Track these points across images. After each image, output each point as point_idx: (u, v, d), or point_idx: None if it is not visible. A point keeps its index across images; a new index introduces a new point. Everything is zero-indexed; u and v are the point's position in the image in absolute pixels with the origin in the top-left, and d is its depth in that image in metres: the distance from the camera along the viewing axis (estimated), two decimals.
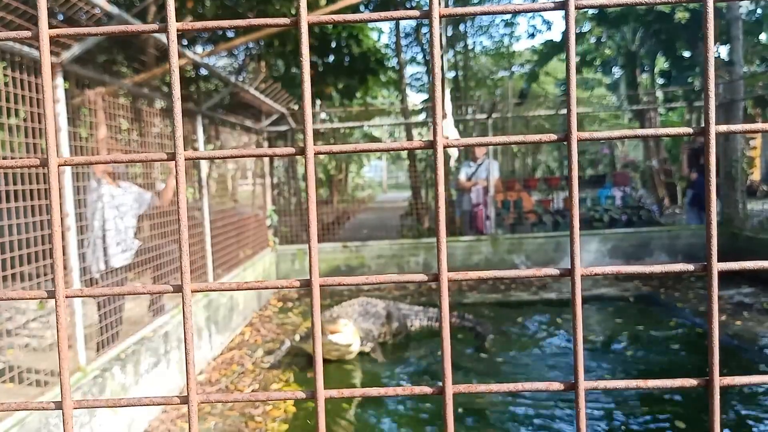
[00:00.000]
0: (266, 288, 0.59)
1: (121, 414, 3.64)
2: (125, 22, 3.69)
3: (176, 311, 4.93)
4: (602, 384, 0.53)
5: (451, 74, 15.15)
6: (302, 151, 0.55)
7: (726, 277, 7.97)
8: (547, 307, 7.16)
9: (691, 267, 0.54)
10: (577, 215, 0.52)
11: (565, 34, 0.50)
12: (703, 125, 0.53)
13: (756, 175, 15.23)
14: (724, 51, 14.37)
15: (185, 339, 0.56)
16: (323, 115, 12.59)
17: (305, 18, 0.50)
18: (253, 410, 4.30)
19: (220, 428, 4.02)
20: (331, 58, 12.94)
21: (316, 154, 0.55)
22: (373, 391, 0.58)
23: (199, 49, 10.29)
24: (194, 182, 6.51)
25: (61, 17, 4.08)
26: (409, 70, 19.23)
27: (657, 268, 0.55)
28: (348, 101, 13.08)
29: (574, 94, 0.51)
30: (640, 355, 5.38)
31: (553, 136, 0.52)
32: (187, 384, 0.56)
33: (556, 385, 0.53)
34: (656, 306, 6.93)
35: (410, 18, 0.53)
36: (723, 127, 0.51)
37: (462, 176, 9.56)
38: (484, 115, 10.07)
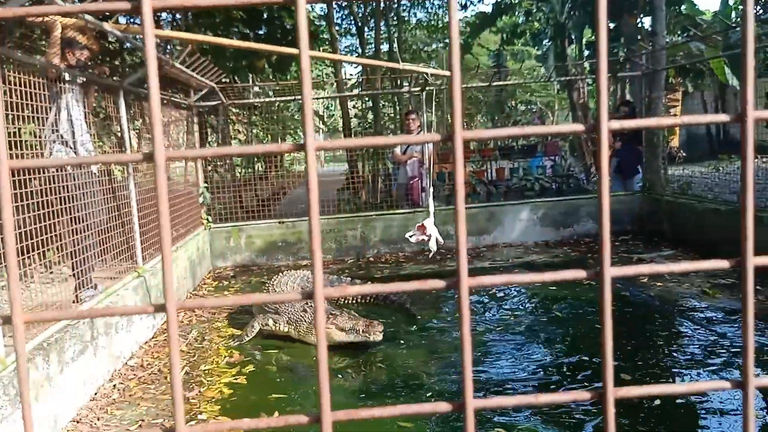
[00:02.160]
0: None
1: (45, 403, 3.50)
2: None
3: (103, 296, 4.76)
4: (492, 402, 0.52)
5: (384, 47, 15.02)
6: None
7: (648, 241, 8.35)
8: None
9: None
10: (464, 233, 0.51)
11: (449, 14, 0.48)
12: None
13: (675, 142, 15.91)
14: (647, 21, 14.82)
15: (20, 379, 0.52)
16: (256, 89, 12.27)
17: (148, 3, 0.46)
18: (187, 393, 4.23)
19: (153, 413, 3.93)
20: (263, 30, 12.60)
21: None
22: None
23: (122, 21, 9.80)
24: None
25: None
26: (344, 42, 18.93)
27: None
28: (281, 75, 12.80)
29: (458, 87, 0.49)
30: (565, 317, 5.57)
31: (437, 136, 0.50)
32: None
33: (444, 406, 0.52)
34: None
35: (275, 3, 0.50)
36: (615, 123, 0.50)
37: (397, 149, 9.57)
38: (418, 89, 10.06)
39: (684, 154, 14.57)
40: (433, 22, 18.56)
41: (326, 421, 0.48)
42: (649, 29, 12.81)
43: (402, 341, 5.16)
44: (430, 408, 0.51)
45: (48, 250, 4.78)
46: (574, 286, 6.48)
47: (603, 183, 0.49)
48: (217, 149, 0.52)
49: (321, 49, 14.43)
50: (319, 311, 0.51)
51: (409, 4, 17.01)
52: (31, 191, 4.29)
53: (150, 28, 0.50)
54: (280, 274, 6.40)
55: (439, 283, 0.52)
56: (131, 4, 0.49)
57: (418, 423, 3.69)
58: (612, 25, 13.24)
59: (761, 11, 12.47)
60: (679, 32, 15.24)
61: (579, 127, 0.50)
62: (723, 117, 0.50)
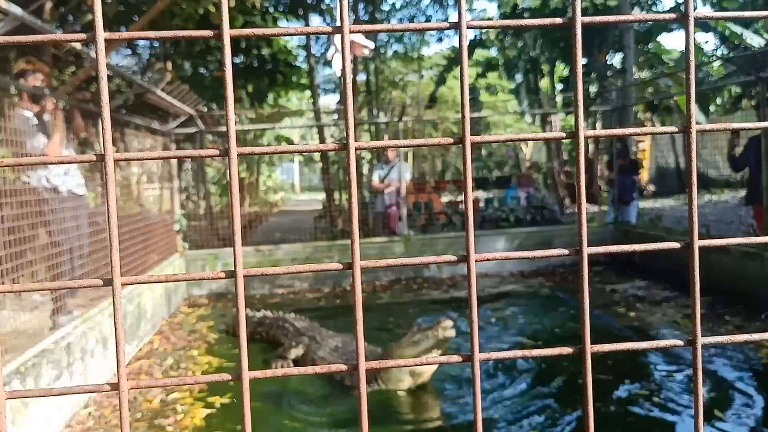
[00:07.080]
0: (192, 279, 0.63)
1: (21, 429, 3.46)
2: (27, 22, 3.52)
3: (79, 321, 4.73)
4: (494, 355, 0.62)
5: (362, 77, 15.29)
6: (226, 153, 0.59)
7: (620, 272, 8.54)
8: (459, 304, 7.40)
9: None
10: (472, 216, 0.60)
11: (459, 51, 0.58)
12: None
13: (645, 176, 16.35)
14: (617, 59, 15.35)
15: (116, 329, 0.59)
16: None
17: (227, 32, 0.55)
18: (163, 420, 4.20)
19: None
20: (240, 59, 12.75)
21: (239, 155, 0.59)
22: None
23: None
24: (95, 186, 6.26)
25: None
26: (322, 71, 19.19)
27: (538, 253, 0.64)
28: (258, 104, 12.92)
29: (467, 100, 0.58)
30: (541, 339, 5.67)
31: (450, 140, 0.59)
32: (118, 372, 0.59)
33: (455, 358, 0.61)
34: (556, 299, 7.33)
35: (323, 33, 0.59)
36: (591, 132, 0.60)
37: (375, 178, 9.70)
38: (395, 119, 10.26)
39: (653, 189, 14.99)
40: (409, 54, 18.96)
41: (362, 369, 0.57)
42: (619, 66, 13.25)
43: None
44: (444, 359, 0.60)
45: (21, 276, 4.76)
46: (552, 314, 6.61)
47: (580, 178, 0.58)
48: (268, 147, 0.60)
49: (299, 77, 14.65)
50: (356, 278, 0.60)
51: (385, 37, 17.36)
52: (2, 216, 4.27)
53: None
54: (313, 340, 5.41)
55: (451, 258, 0.62)
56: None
57: None
58: (583, 61, 13.69)
59: (727, 51, 13.07)
60: (646, 69, 15.79)
61: (561, 134, 0.60)
62: (672, 129, 0.61)
